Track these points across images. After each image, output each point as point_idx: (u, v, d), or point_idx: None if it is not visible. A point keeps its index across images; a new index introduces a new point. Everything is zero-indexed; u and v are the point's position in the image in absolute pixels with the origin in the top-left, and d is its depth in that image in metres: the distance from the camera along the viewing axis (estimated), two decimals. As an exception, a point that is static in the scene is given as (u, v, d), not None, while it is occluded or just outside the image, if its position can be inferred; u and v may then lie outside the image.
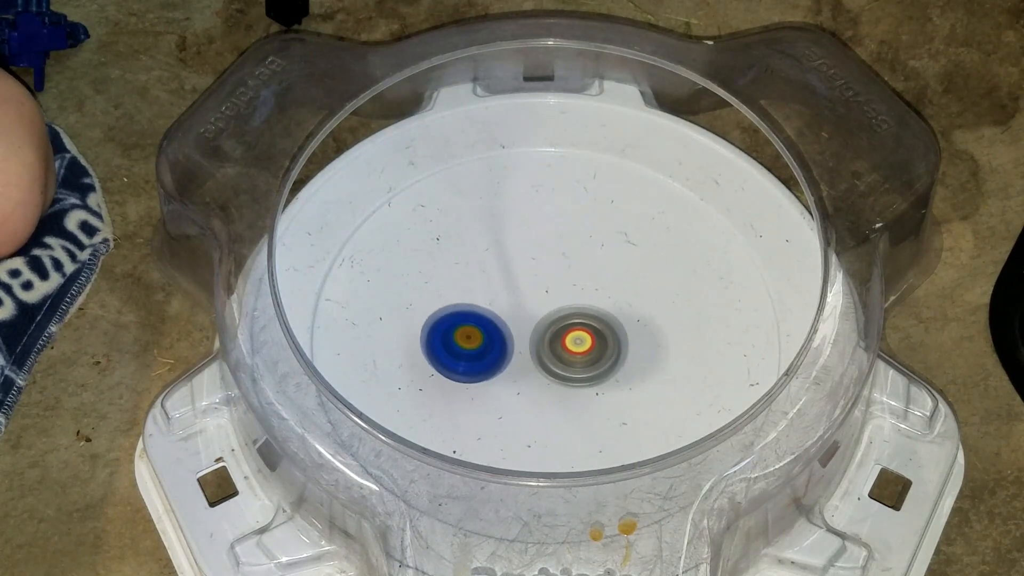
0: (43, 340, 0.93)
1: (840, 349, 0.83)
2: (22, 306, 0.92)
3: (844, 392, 0.82)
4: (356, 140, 0.96)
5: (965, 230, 0.99)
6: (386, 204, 0.92)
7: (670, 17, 1.09)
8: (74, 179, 0.98)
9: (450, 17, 1.09)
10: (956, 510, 0.88)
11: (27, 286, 0.93)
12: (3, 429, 0.90)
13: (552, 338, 0.86)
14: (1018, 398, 0.92)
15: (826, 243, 0.86)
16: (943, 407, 0.88)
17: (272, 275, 0.84)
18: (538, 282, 0.90)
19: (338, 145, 0.99)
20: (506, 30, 0.96)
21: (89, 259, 0.96)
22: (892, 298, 0.93)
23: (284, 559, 0.83)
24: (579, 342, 0.86)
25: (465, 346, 0.86)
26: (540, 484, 0.79)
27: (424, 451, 0.79)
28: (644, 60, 0.94)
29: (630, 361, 0.86)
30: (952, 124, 1.04)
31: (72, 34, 1.05)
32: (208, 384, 0.88)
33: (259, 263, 0.86)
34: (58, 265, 0.94)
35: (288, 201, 0.90)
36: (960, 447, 0.88)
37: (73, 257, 0.95)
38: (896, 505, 0.86)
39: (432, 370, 0.86)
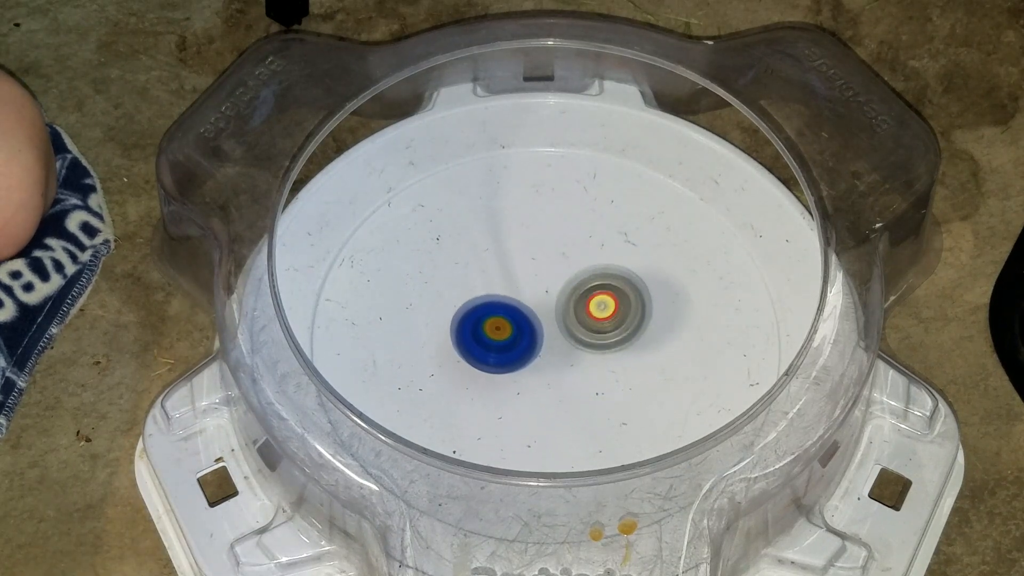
0: (44, 342, 0.93)
1: (840, 349, 0.83)
2: (23, 307, 0.92)
3: (844, 392, 0.82)
4: (356, 140, 0.96)
5: (965, 230, 0.99)
6: (386, 204, 0.92)
7: (670, 17, 1.09)
8: (75, 180, 0.98)
9: (450, 17, 1.09)
10: (956, 510, 0.88)
11: (28, 287, 0.93)
12: (5, 431, 0.90)
13: (578, 301, 0.87)
14: (1018, 398, 0.92)
15: (826, 243, 0.86)
16: (943, 407, 0.88)
17: (272, 275, 0.84)
18: (538, 282, 0.90)
19: (338, 145, 0.99)
20: (506, 30, 0.96)
21: (90, 260, 0.96)
22: (892, 298, 0.93)
23: (284, 559, 0.83)
24: (603, 306, 0.86)
25: (495, 337, 0.86)
26: (540, 484, 0.79)
27: (424, 451, 0.79)
28: (644, 60, 0.94)
29: (630, 361, 0.86)
30: (952, 124, 1.04)
31: None
32: (208, 384, 0.88)
33: (259, 263, 0.86)
34: (59, 266, 0.94)
35: (288, 201, 0.90)
36: (960, 447, 0.88)
37: (74, 258, 0.95)
38: (896, 505, 0.86)
39: (432, 370, 0.86)
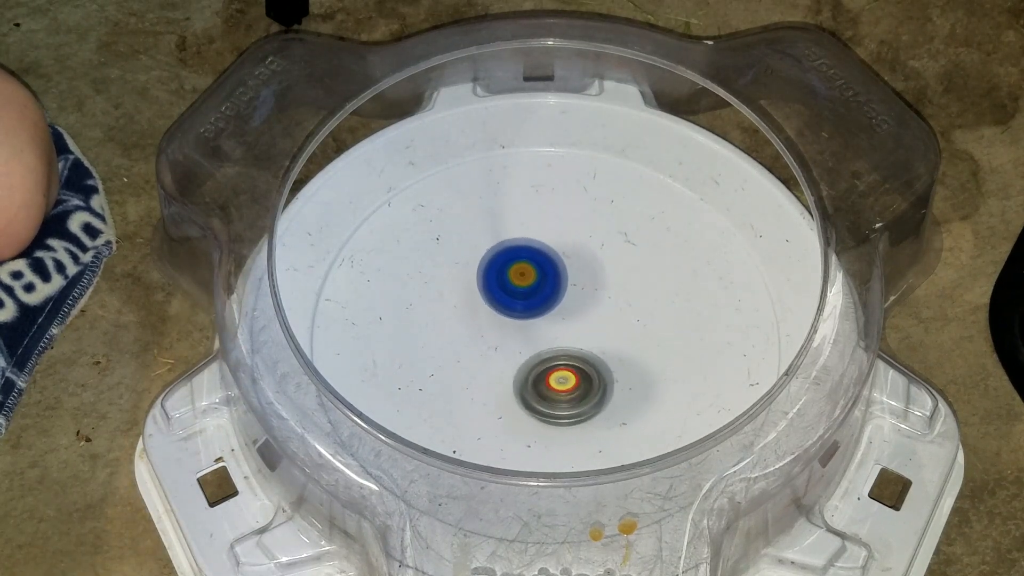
0: (44, 342, 0.93)
1: (840, 349, 0.83)
2: (24, 308, 0.92)
3: (844, 392, 0.82)
4: (356, 140, 0.96)
5: (965, 230, 0.99)
6: (386, 204, 0.92)
7: (670, 17, 1.09)
8: (77, 181, 0.98)
9: (450, 17, 1.09)
10: (956, 510, 0.88)
11: (29, 288, 0.93)
12: (4, 431, 0.90)
13: (537, 379, 0.85)
14: (1018, 398, 0.92)
15: (826, 243, 0.86)
16: (943, 407, 0.88)
17: (272, 275, 0.84)
18: (538, 282, 0.90)
19: (338, 145, 0.99)
20: (506, 30, 0.96)
21: (92, 261, 0.96)
22: (892, 298, 0.93)
23: (284, 559, 0.83)
24: (563, 381, 0.85)
25: (519, 283, 0.87)
26: (540, 484, 0.79)
27: (424, 451, 0.79)
28: (644, 60, 0.94)
29: (630, 361, 0.86)
30: (952, 124, 1.04)
31: None
32: (208, 384, 0.88)
33: (259, 263, 0.86)
34: (60, 267, 0.94)
35: (288, 201, 0.90)
36: (960, 447, 0.88)
37: (76, 259, 0.95)
38: (896, 505, 0.86)
39: (432, 370, 0.86)
